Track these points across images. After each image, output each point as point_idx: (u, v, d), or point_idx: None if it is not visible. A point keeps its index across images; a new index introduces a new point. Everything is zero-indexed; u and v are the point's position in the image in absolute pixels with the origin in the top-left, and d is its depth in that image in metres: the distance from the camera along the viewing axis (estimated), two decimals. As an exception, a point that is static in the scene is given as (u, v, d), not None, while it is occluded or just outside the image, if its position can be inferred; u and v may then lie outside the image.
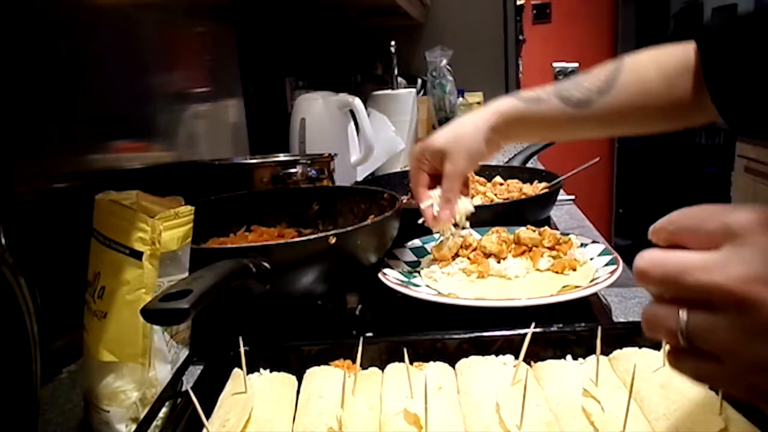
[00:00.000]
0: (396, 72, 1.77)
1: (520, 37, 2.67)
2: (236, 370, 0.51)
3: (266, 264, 0.56)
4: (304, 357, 0.54)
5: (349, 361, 0.52)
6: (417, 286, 0.72)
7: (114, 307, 0.49)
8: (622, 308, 0.72)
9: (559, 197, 1.18)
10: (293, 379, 0.51)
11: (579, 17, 3.82)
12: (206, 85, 1.12)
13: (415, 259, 0.83)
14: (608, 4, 3.83)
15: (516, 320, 0.55)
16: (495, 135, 0.71)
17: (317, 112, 1.23)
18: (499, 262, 0.77)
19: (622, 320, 0.69)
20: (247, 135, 1.28)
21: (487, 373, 0.48)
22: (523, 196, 1.01)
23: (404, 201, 0.88)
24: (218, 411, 0.46)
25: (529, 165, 1.38)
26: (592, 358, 0.50)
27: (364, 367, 0.52)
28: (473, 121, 0.71)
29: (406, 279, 0.75)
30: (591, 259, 0.77)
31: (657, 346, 0.49)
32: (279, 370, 0.52)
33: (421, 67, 2.12)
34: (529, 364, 0.51)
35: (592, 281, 0.69)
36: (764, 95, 0.58)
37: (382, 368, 0.52)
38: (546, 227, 0.82)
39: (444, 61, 2.02)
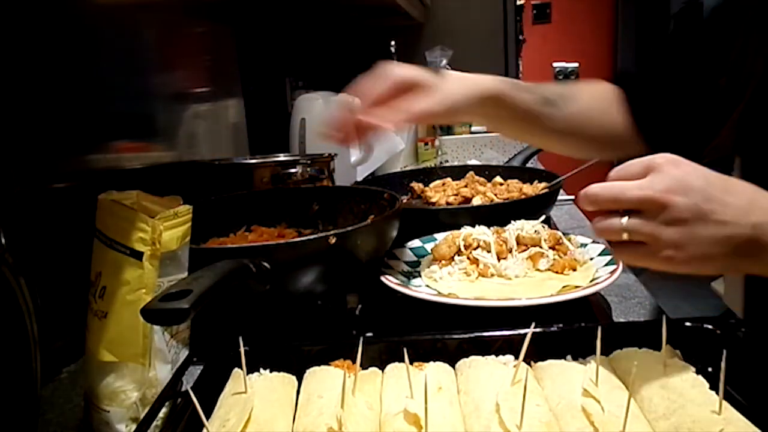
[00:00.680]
0: (396, 72, 1.77)
1: (520, 37, 2.66)
2: (236, 370, 0.51)
3: (266, 264, 0.56)
4: (304, 357, 0.54)
5: (349, 361, 0.52)
6: (417, 286, 0.72)
7: (114, 307, 0.49)
8: (622, 308, 0.72)
9: (559, 197, 1.18)
10: (293, 379, 0.51)
11: (579, 17, 3.82)
12: (206, 85, 1.12)
13: (415, 259, 0.83)
14: (608, 4, 3.83)
15: (516, 320, 0.55)
16: (472, 108, 0.69)
17: (317, 112, 1.23)
18: (498, 261, 0.76)
19: (622, 320, 0.69)
20: (247, 135, 1.28)
21: (487, 373, 0.48)
22: (523, 196, 1.01)
23: (404, 201, 0.88)
24: (218, 411, 0.46)
25: (529, 165, 1.38)
26: (592, 358, 0.50)
27: (364, 367, 0.52)
28: (463, 85, 0.69)
29: (406, 279, 0.75)
30: (591, 259, 0.77)
31: (657, 346, 0.49)
32: (279, 370, 0.52)
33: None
34: (529, 364, 0.51)
35: (592, 281, 0.69)
36: (677, 123, 0.72)
37: (382, 368, 0.52)
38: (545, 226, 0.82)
39: (444, 61, 2.02)
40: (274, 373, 0.51)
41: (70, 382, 0.62)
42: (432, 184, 1.15)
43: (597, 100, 0.77)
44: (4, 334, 0.40)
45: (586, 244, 0.81)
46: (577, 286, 0.67)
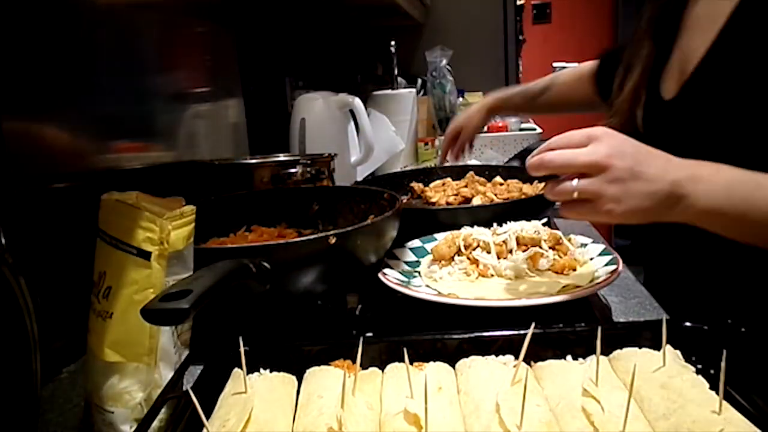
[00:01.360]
0: (396, 72, 1.77)
1: (520, 37, 2.67)
2: (236, 370, 0.51)
3: (266, 264, 0.56)
4: (304, 357, 0.54)
5: (349, 361, 0.52)
6: (417, 286, 0.72)
7: (120, 307, 0.49)
8: (622, 308, 0.72)
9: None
10: (293, 379, 0.51)
11: (579, 17, 3.82)
12: (206, 85, 1.12)
13: (415, 259, 0.83)
14: (608, 4, 3.83)
15: (516, 320, 0.55)
16: (487, 114, 1.32)
17: (317, 112, 1.23)
18: (498, 260, 0.76)
19: (622, 320, 0.69)
20: (247, 135, 1.28)
21: (487, 373, 0.48)
22: (523, 196, 1.01)
23: (404, 201, 0.88)
24: (218, 411, 0.46)
25: (529, 165, 1.38)
26: (592, 358, 0.50)
27: (364, 367, 0.52)
28: (474, 110, 1.34)
29: (406, 279, 0.75)
30: (591, 259, 0.77)
31: (657, 346, 0.49)
32: (279, 370, 0.52)
33: (421, 67, 2.12)
34: (529, 364, 0.51)
35: (592, 281, 0.69)
36: None
37: (382, 368, 0.52)
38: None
39: (444, 61, 2.02)
40: (274, 373, 0.51)
41: (70, 382, 0.62)
42: (432, 184, 1.15)
43: (568, 82, 1.18)
44: (4, 334, 0.40)
45: (586, 244, 0.81)
46: (577, 286, 0.67)
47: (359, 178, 1.32)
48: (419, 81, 2.12)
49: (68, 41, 0.72)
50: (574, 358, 0.52)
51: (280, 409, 0.47)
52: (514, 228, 0.80)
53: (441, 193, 1.08)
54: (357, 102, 1.24)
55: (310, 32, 1.80)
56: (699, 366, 0.48)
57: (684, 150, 0.60)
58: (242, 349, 0.49)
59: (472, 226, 0.82)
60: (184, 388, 0.47)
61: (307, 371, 0.51)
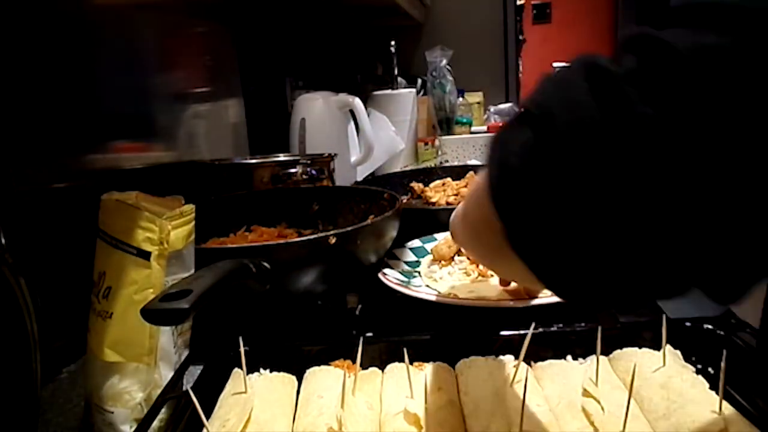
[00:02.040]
0: (396, 72, 1.77)
1: (520, 37, 2.66)
2: (236, 370, 0.51)
3: (266, 264, 0.56)
4: (304, 357, 0.54)
5: (349, 361, 0.52)
6: (417, 286, 0.72)
7: (120, 307, 0.49)
8: (622, 308, 0.72)
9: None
10: (293, 379, 0.51)
11: (579, 17, 3.82)
12: (206, 85, 1.12)
13: (415, 259, 0.83)
14: (608, 4, 3.83)
15: (516, 320, 0.55)
16: None
17: (317, 112, 1.23)
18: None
19: (622, 320, 0.69)
20: (247, 135, 1.28)
21: (487, 373, 0.48)
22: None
23: (404, 201, 0.88)
24: (218, 411, 0.46)
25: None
26: (592, 358, 0.50)
27: (364, 367, 0.52)
28: None
29: (406, 279, 0.75)
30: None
31: (657, 346, 0.50)
32: (279, 370, 0.52)
33: (421, 67, 2.12)
34: (529, 364, 0.51)
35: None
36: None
37: (382, 368, 0.52)
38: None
39: (444, 61, 2.02)
40: (274, 373, 0.51)
41: (70, 382, 0.62)
42: (432, 184, 1.15)
43: None
44: (4, 334, 0.40)
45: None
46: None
47: (359, 178, 1.32)
48: (419, 81, 2.12)
49: (68, 40, 0.72)
50: (574, 358, 0.52)
51: (280, 409, 0.47)
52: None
53: (441, 193, 1.08)
54: (357, 102, 1.24)
55: (310, 32, 1.80)
56: (699, 366, 0.48)
57: None
58: (242, 349, 0.49)
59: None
60: (184, 388, 0.48)
61: (307, 371, 0.51)
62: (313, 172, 0.96)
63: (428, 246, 0.85)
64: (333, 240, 0.61)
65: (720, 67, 0.23)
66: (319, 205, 0.89)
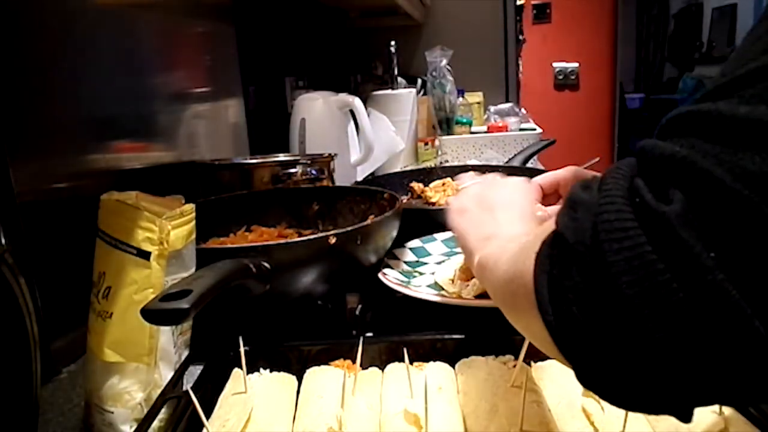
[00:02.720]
0: (396, 72, 1.77)
1: (520, 37, 2.66)
2: (236, 370, 0.51)
3: (266, 264, 0.56)
4: (304, 357, 0.54)
5: (349, 361, 0.52)
6: (417, 286, 0.72)
7: (120, 307, 0.49)
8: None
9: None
10: (293, 379, 0.51)
11: (579, 17, 3.82)
12: (206, 85, 1.12)
13: (415, 259, 0.83)
14: (608, 4, 3.83)
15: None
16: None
17: (317, 112, 1.23)
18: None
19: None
20: (247, 135, 1.28)
21: (487, 373, 0.48)
22: (523, 196, 1.01)
23: (404, 201, 0.88)
24: (218, 411, 0.46)
25: (529, 165, 1.38)
26: (592, 358, 0.50)
27: (364, 367, 0.52)
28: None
29: (406, 279, 0.75)
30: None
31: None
32: (279, 370, 0.52)
33: (421, 67, 2.12)
34: (529, 364, 0.51)
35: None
36: None
37: (382, 368, 0.52)
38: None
39: (444, 61, 2.02)
40: (274, 373, 0.52)
41: (70, 382, 0.62)
42: (432, 184, 1.15)
43: None
44: (4, 334, 0.40)
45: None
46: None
47: (359, 178, 1.32)
48: (419, 81, 2.12)
49: (68, 40, 0.72)
50: (574, 358, 0.52)
51: (280, 409, 0.47)
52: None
53: (441, 193, 1.08)
54: (357, 102, 1.24)
55: (310, 32, 1.80)
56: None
57: None
58: (242, 349, 0.49)
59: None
60: (184, 388, 0.48)
61: (307, 371, 0.51)
62: (313, 172, 0.96)
63: (428, 246, 0.85)
64: (333, 240, 0.61)
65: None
66: (319, 205, 0.89)
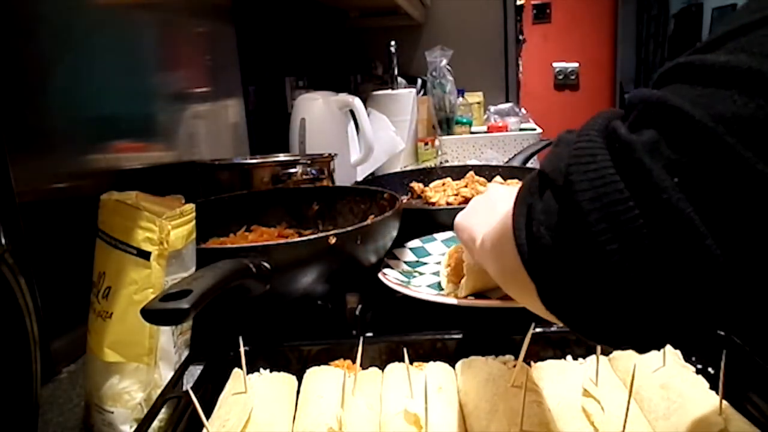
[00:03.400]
0: (396, 72, 1.77)
1: (520, 37, 2.67)
2: (236, 370, 0.51)
3: (266, 264, 0.56)
4: (304, 357, 0.54)
5: (349, 361, 0.52)
6: (417, 286, 0.72)
7: (120, 307, 0.49)
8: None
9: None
10: (293, 379, 0.51)
11: (579, 17, 3.82)
12: (206, 85, 1.12)
13: (415, 259, 0.83)
14: (608, 4, 3.83)
15: (516, 320, 0.55)
16: None
17: (317, 112, 1.23)
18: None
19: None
20: (247, 135, 1.28)
21: (487, 374, 0.48)
22: (523, 196, 1.01)
23: (404, 201, 0.88)
24: (218, 411, 0.46)
25: (529, 165, 1.38)
26: (592, 358, 0.50)
27: (364, 367, 0.52)
28: None
29: (406, 279, 0.75)
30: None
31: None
32: (279, 370, 0.52)
33: (421, 67, 2.12)
34: (529, 364, 0.51)
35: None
36: None
37: (382, 368, 0.52)
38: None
39: (444, 61, 2.02)
40: (274, 373, 0.52)
41: (70, 382, 0.62)
42: (432, 184, 1.15)
43: None
44: (4, 334, 0.40)
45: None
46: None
47: (359, 178, 1.32)
48: (419, 81, 2.12)
49: (68, 40, 0.72)
50: (574, 358, 0.52)
51: (280, 409, 0.47)
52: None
53: (441, 193, 1.08)
54: (357, 102, 1.24)
55: (310, 32, 1.80)
56: (699, 366, 0.48)
57: None
58: (242, 349, 0.49)
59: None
60: (184, 388, 0.48)
61: (307, 371, 0.51)
62: (313, 172, 0.96)
63: (428, 246, 0.85)
64: (333, 240, 0.61)
65: (745, 137, 0.23)
66: (319, 205, 0.89)
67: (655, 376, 0.46)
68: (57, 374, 0.63)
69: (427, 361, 0.52)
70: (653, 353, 0.49)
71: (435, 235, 0.87)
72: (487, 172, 1.19)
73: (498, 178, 1.15)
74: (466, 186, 1.10)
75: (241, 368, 0.49)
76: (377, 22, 2.16)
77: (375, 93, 1.71)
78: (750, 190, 0.23)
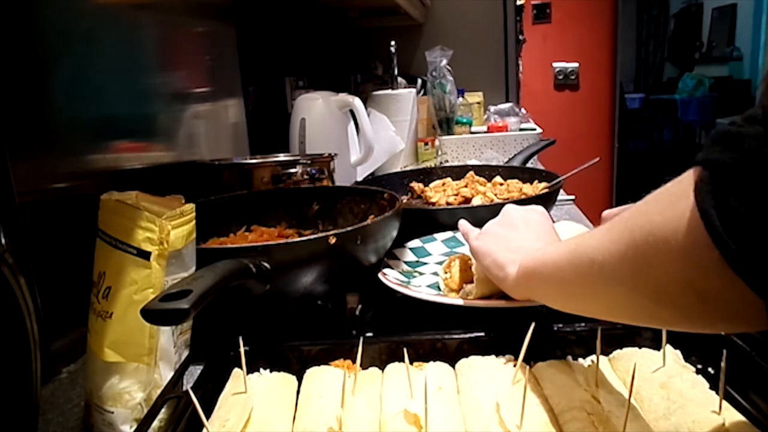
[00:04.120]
0: (396, 72, 1.77)
1: (520, 37, 2.66)
2: (236, 370, 0.51)
3: (266, 264, 0.56)
4: (304, 357, 0.54)
5: (349, 361, 0.52)
6: (417, 286, 0.72)
7: (120, 307, 0.49)
8: (622, 308, 0.72)
9: (559, 197, 1.18)
10: (293, 379, 0.51)
11: (579, 17, 3.82)
12: (206, 85, 1.12)
13: (415, 259, 0.83)
14: (608, 4, 3.83)
15: (516, 320, 0.55)
16: None
17: (317, 112, 1.23)
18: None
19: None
20: (247, 135, 1.28)
21: (487, 373, 0.48)
22: (523, 196, 1.01)
23: (404, 201, 0.88)
24: (218, 411, 0.46)
25: (529, 165, 1.38)
26: (592, 358, 0.50)
27: (364, 367, 0.52)
28: None
29: (406, 279, 0.75)
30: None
31: (657, 346, 0.50)
32: (279, 370, 0.52)
33: (421, 67, 2.12)
34: (529, 364, 0.51)
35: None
36: None
37: (382, 368, 0.52)
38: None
39: (444, 61, 2.01)
40: (274, 373, 0.51)
41: (70, 382, 0.62)
42: (432, 184, 1.15)
43: None
44: (4, 334, 0.40)
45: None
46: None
47: (359, 178, 1.32)
48: (419, 81, 2.12)
49: (68, 40, 0.72)
50: (574, 358, 0.52)
51: (280, 409, 0.47)
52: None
53: (441, 193, 1.08)
54: (357, 102, 1.24)
55: (310, 32, 1.80)
56: (699, 366, 0.48)
57: None
58: (242, 349, 0.49)
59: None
60: (184, 388, 0.48)
61: (307, 371, 0.51)
62: (313, 172, 0.96)
63: (428, 246, 0.85)
64: (333, 240, 0.61)
65: None
66: (319, 205, 0.89)
67: (655, 376, 0.46)
68: (57, 374, 0.63)
69: (427, 361, 0.52)
70: (653, 353, 0.49)
71: (435, 235, 0.87)
72: (487, 172, 1.19)
73: (498, 178, 1.15)
74: (466, 186, 1.10)
75: (241, 368, 0.49)
76: (377, 22, 2.16)
77: (375, 93, 1.71)
78: None
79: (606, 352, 0.51)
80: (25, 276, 0.41)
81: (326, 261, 0.63)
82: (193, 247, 0.54)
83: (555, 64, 3.76)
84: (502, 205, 0.96)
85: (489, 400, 0.44)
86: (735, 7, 6.00)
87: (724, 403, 0.41)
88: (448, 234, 0.87)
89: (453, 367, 0.52)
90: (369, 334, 0.66)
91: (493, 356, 0.51)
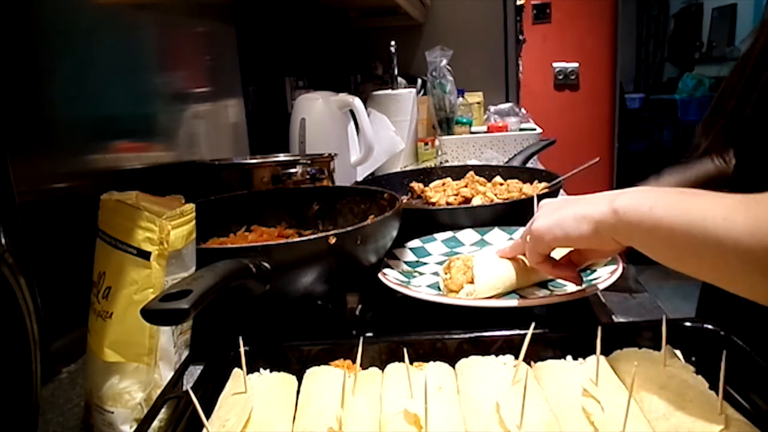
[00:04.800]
0: (396, 72, 1.77)
1: (520, 37, 2.66)
2: (236, 370, 0.51)
3: (266, 264, 0.56)
4: (304, 357, 0.54)
5: (349, 361, 0.52)
6: (417, 286, 0.72)
7: (120, 307, 0.49)
8: (622, 308, 0.72)
9: (559, 197, 1.17)
10: (293, 379, 0.51)
11: (579, 17, 3.82)
12: (206, 85, 1.12)
13: (415, 259, 0.83)
14: (608, 4, 3.83)
15: (516, 320, 0.55)
16: None
17: (317, 112, 1.23)
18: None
19: (622, 320, 0.69)
20: (247, 135, 1.28)
21: (487, 373, 0.48)
22: (523, 196, 1.01)
23: (404, 201, 0.88)
24: (218, 411, 0.46)
25: (529, 165, 1.38)
26: (592, 358, 0.50)
27: (364, 367, 0.52)
28: None
29: (406, 279, 0.75)
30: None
31: (657, 346, 0.49)
32: (279, 370, 0.52)
33: (421, 67, 2.12)
34: (529, 364, 0.51)
35: (591, 281, 0.69)
36: None
37: (382, 368, 0.52)
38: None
39: (444, 61, 2.02)
40: (274, 373, 0.51)
41: (70, 382, 0.62)
42: (432, 184, 1.15)
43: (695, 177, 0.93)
44: (4, 334, 0.40)
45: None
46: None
47: (359, 178, 1.32)
48: (419, 81, 2.12)
49: (68, 40, 0.72)
50: (574, 358, 0.52)
51: (280, 409, 0.47)
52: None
53: (441, 193, 1.08)
54: (357, 102, 1.24)
55: (310, 32, 1.80)
56: (699, 366, 0.48)
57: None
58: (242, 349, 0.49)
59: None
60: (184, 388, 0.48)
61: (307, 371, 0.51)
62: (313, 172, 0.96)
63: (428, 246, 0.85)
64: (333, 240, 0.61)
65: None
66: (319, 205, 0.89)
67: (655, 376, 0.46)
68: (57, 374, 0.63)
69: (427, 361, 0.52)
70: (653, 353, 0.49)
71: (435, 235, 0.87)
72: (487, 172, 1.19)
73: (498, 178, 1.15)
74: (466, 186, 1.10)
75: (241, 368, 0.49)
76: (377, 22, 2.16)
77: (375, 93, 1.71)
78: None
79: (606, 352, 0.51)
80: (25, 276, 0.41)
81: (326, 261, 0.63)
82: (193, 247, 0.54)
83: (555, 64, 3.76)
84: (502, 205, 0.97)
85: (489, 400, 0.44)
86: (735, 7, 6.00)
87: (724, 403, 0.41)
88: (448, 234, 0.87)
89: (453, 367, 0.52)
90: (369, 334, 0.66)
91: (493, 356, 0.51)
